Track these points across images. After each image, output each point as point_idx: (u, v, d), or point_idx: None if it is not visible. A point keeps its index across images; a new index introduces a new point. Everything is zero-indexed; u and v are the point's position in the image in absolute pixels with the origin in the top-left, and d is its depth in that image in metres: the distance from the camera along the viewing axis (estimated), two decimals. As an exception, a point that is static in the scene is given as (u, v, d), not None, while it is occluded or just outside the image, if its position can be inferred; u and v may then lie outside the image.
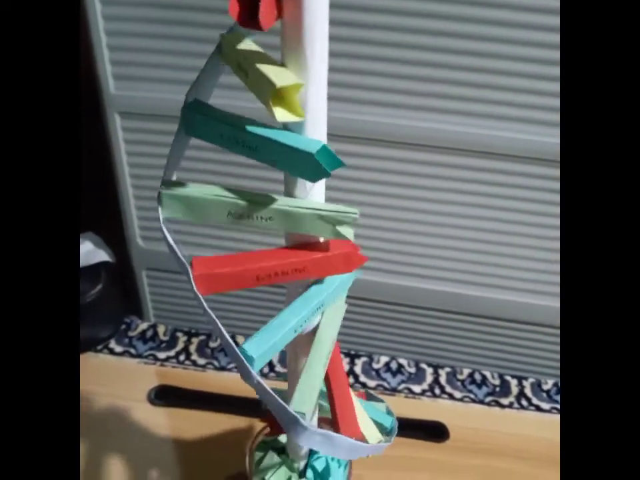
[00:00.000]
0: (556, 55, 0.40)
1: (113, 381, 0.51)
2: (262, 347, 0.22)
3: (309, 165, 0.19)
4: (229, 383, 0.52)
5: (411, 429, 0.48)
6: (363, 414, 0.29)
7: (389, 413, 0.33)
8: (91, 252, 0.57)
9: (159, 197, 0.22)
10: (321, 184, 0.23)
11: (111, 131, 0.48)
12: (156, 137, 0.48)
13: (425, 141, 0.45)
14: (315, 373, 0.24)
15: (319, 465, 0.34)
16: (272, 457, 0.34)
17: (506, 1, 0.39)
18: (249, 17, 0.18)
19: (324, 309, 0.25)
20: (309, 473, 0.33)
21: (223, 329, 0.21)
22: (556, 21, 0.39)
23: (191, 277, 0.21)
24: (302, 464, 0.34)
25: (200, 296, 0.21)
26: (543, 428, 0.49)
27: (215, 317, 0.21)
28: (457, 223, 0.49)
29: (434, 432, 0.48)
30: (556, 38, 0.39)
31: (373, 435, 0.28)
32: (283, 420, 0.22)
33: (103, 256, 0.57)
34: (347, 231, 0.22)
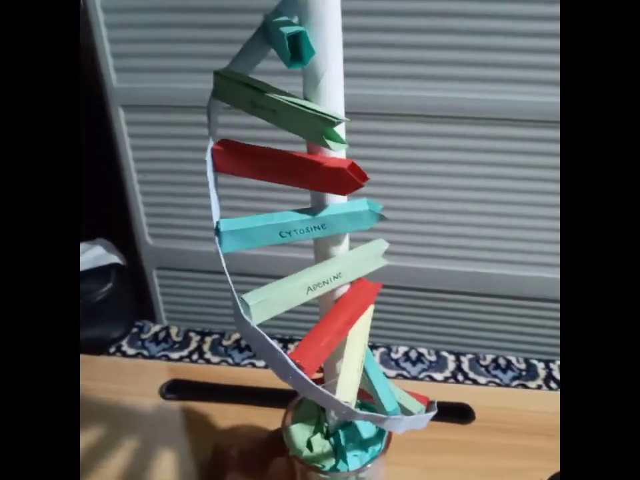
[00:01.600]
0: (548, 9, 0.40)
1: (125, 378, 0.50)
2: (234, 226, 0.22)
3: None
4: (241, 375, 0.50)
5: (435, 411, 0.45)
6: (353, 376, 0.27)
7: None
8: (101, 256, 0.57)
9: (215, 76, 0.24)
10: (338, 91, 0.23)
11: (115, 126, 0.48)
12: (161, 129, 0.48)
13: (417, 111, 0.44)
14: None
15: (348, 436, 0.32)
16: (311, 407, 0.33)
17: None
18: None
19: (326, 232, 0.24)
20: (335, 438, 0.32)
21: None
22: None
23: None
24: (333, 424, 0.32)
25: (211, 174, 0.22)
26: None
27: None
28: (469, 197, 0.48)
29: (459, 413, 0.46)
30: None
31: (346, 393, 0.26)
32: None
33: (113, 259, 0.57)
34: (337, 142, 0.21)
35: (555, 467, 0.41)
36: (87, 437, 0.43)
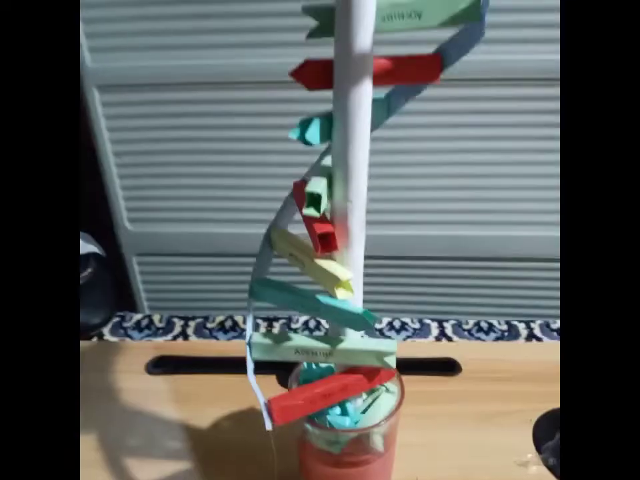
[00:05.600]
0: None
1: (109, 358, 0.49)
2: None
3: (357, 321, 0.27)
4: (225, 348, 0.50)
5: (422, 367, 0.46)
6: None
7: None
8: (80, 246, 0.57)
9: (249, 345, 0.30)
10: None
11: (90, 107, 0.49)
12: (137, 108, 0.49)
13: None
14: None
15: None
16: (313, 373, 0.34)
17: None
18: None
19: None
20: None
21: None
22: None
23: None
24: None
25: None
26: (556, 352, 0.47)
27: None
28: (443, 160, 0.49)
29: (446, 367, 0.46)
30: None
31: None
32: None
33: (92, 248, 0.57)
34: (392, 360, 0.28)
35: (542, 408, 0.42)
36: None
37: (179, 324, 0.57)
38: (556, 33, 0.43)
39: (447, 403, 0.42)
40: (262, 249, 0.31)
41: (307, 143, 0.24)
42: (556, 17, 0.42)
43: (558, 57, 0.41)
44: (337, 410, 0.31)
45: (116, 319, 0.57)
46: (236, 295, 0.58)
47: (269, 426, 0.28)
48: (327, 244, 0.26)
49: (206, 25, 0.45)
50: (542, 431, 0.41)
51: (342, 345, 0.28)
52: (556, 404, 0.42)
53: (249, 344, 0.30)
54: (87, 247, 0.57)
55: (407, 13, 0.23)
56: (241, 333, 0.55)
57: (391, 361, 0.28)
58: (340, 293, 0.26)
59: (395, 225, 0.52)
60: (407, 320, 0.56)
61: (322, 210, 0.25)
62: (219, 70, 0.47)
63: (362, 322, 0.27)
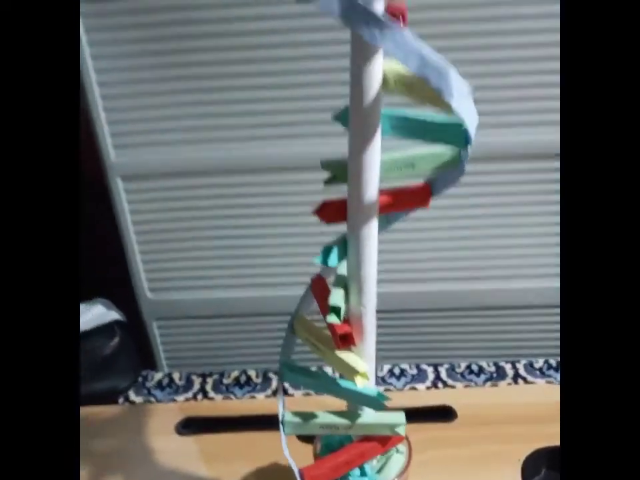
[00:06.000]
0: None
1: (140, 420, 0.54)
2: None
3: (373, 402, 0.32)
4: (247, 406, 0.55)
5: (419, 416, 0.52)
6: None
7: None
8: (103, 314, 0.62)
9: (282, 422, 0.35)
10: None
11: (114, 194, 0.54)
12: (157, 193, 0.55)
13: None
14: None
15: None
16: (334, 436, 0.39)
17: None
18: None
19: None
20: None
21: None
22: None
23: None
24: None
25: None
26: (544, 394, 0.54)
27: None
28: (438, 225, 0.56)
29: (443, 414, 0.52)
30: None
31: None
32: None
33: (114, 315, 0.62)
34: (401, 429, 0.34)
35: (530, 447, 0.48)
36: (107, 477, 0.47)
37: (197, 381, 0.62)
38: (549, 117, 0.50)
39: (444, 449, 0.48)
40: (286, 336, 0.37)
41: (328, 266, 0.31)
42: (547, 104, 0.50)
43: (548, 137, 0.50)
44: (357, 471, 0.36)
45: (139, 379, 0.62)
46: (248, 351, 0.63)
47: None
48: (345, 341, 0.32)
49: (214, 122, 0.51)
50: (529, 469, 0.47)
51: (359, 420, 0.34)
52: (542, 442, 0.48)
53: (282, 422, 0.35)
54: (109, 314, 0.62)
55: (403, 165, 0.30)
56: (254, 387, 0.61)
57: (401, 430, 0.34)
58: (358, 381, 0.32)
59: (394, 283, 0.58)
60: (405, 367, 0.62)
61: (341, 317, 0.31)
62: (228, 160, 0.53)
63: (376, 402, 0.33)
